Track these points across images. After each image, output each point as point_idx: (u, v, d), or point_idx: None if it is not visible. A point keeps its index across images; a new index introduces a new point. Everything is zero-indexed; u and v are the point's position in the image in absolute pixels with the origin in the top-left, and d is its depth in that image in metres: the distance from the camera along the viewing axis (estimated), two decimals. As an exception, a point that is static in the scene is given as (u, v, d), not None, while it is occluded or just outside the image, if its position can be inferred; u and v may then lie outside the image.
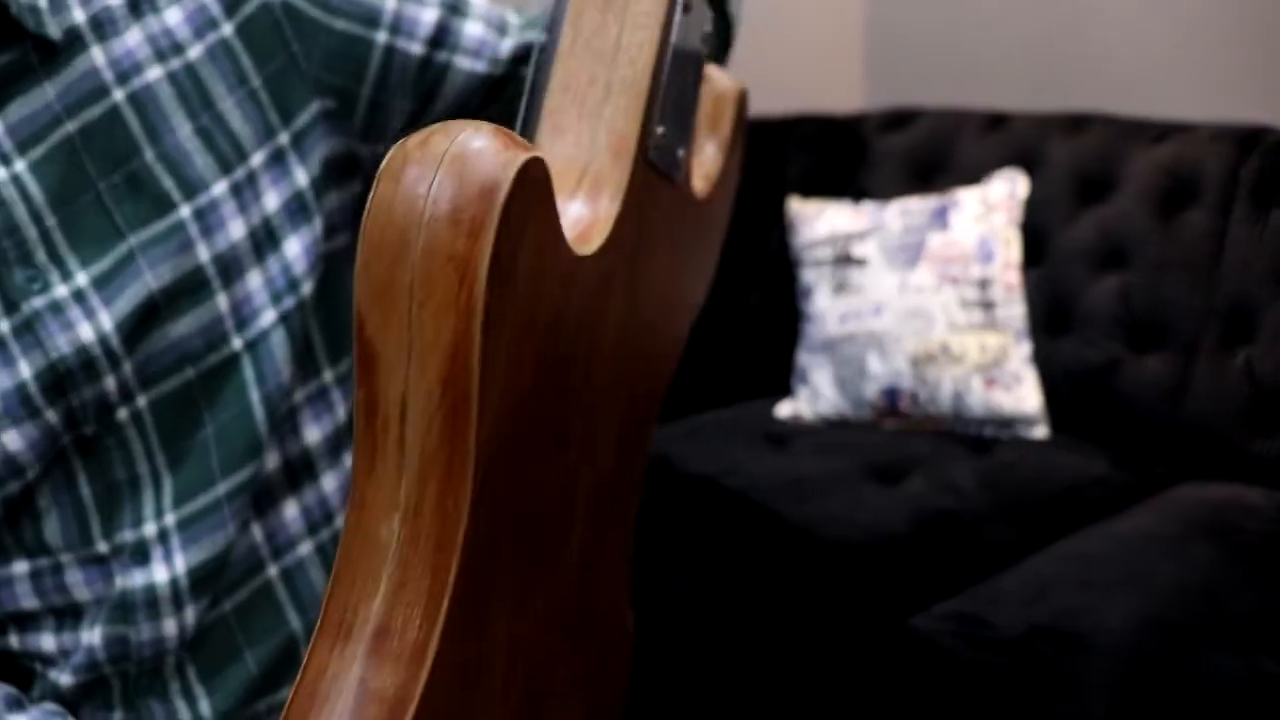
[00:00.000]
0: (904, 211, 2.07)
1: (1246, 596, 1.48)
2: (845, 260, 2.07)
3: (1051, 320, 2.02)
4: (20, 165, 0.73)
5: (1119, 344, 1.93)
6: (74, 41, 0.75)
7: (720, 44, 0.76)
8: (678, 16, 0.51)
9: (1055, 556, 1.58)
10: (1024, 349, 1.97)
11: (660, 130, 0.51)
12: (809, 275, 2.11)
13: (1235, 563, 1.54)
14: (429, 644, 0.43)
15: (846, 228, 2.09)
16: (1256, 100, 2.00)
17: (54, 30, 0.74)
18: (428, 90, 0.85)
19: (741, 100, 0.55)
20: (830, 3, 2.59)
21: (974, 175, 2.15)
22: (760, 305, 2.23)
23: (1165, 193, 1.93)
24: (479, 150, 0.39)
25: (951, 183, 2.18)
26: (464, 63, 0.85)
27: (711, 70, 0.56)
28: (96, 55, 0.75)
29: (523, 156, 0.41)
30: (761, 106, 2.32)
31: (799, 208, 2.17)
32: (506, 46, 0.86)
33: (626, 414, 0.54)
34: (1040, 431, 1.96)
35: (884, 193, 2.27)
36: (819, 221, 2.13)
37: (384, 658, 0.42)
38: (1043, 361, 1.99)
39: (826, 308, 2.06)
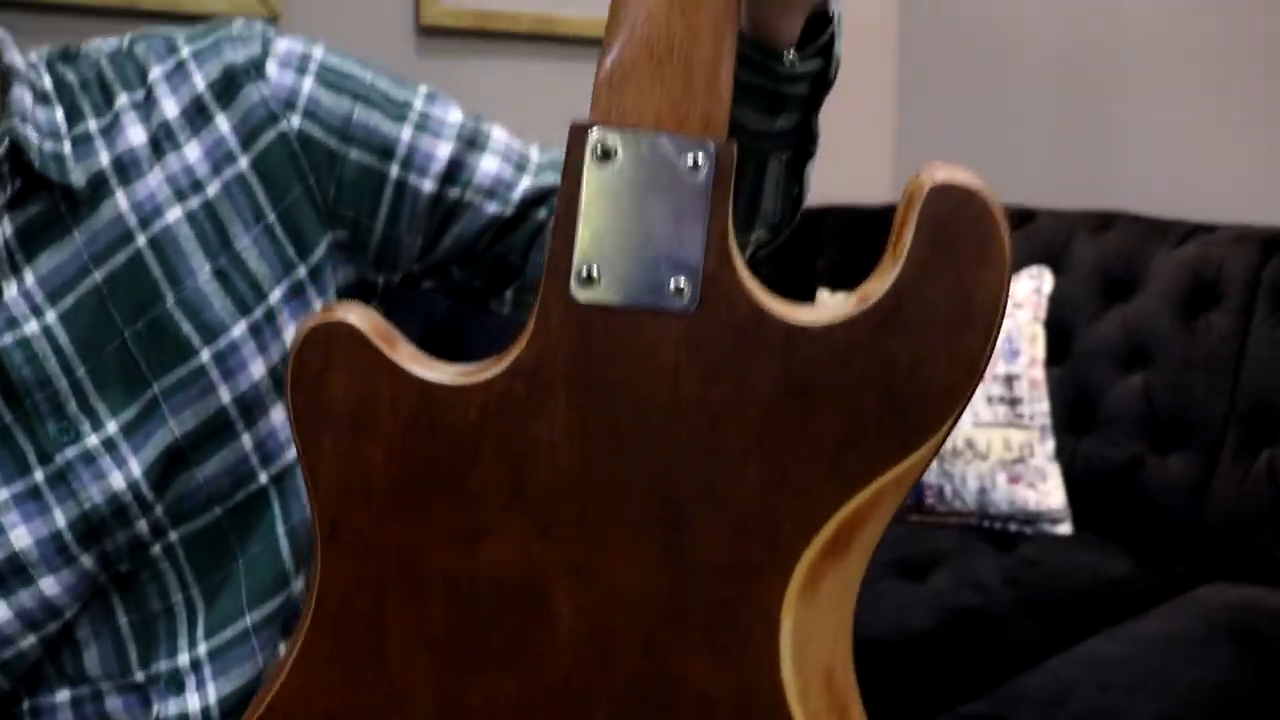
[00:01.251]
0: (930, 307, 2.10)
1: (1267, 701, 1.49)
2: (872, 354, 2.10)
3: (1075, 417, 2.04)
4: (51, 316, 0.75)
5: (1142, 443, 1.95)
6: (99, 187, 0.76)
7: (819, 87, 0.72)
8: (588, 163, 0.52)
9: (1078, 658, 1.59)
10: (1048, 446, 1.99)
11: (589, 269, 0.52)
12: (836, 367, 2.14)
13: (1256, 667, 1.54)
14: (289, 658, 0.60)
15: (874, 321, 2.12)
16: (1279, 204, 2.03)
17: (78, 178, 0.75)
18: (438, 226, 0.84)
19: (933, 197, 0.53)
20: (862, 96, 2.65)
21: (1001, 271, 2.18)
22: (788, 395, 2.26)
23: (1188, 293, 1.95)
24: (306, 320, 0.58)
25: (979, 278, 2.22)
26: (475, 200, 0.83)
27: (931, 165, 0.55)
28: (120, 200, 0.77)
29: (314, 322, 0.57)
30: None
31: (828, 300, 2.21)
32: (521, 187, 0.83)
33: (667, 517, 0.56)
34: (1064, 528, 1.97)
35: (912, 286, 2.31)
36: (847, 315, 2.16)
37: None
38: (1067, 458, 2.01)
39: (853, 400, 2.09)
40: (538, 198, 0.84)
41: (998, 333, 0.52)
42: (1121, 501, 1.96)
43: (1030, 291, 2.08)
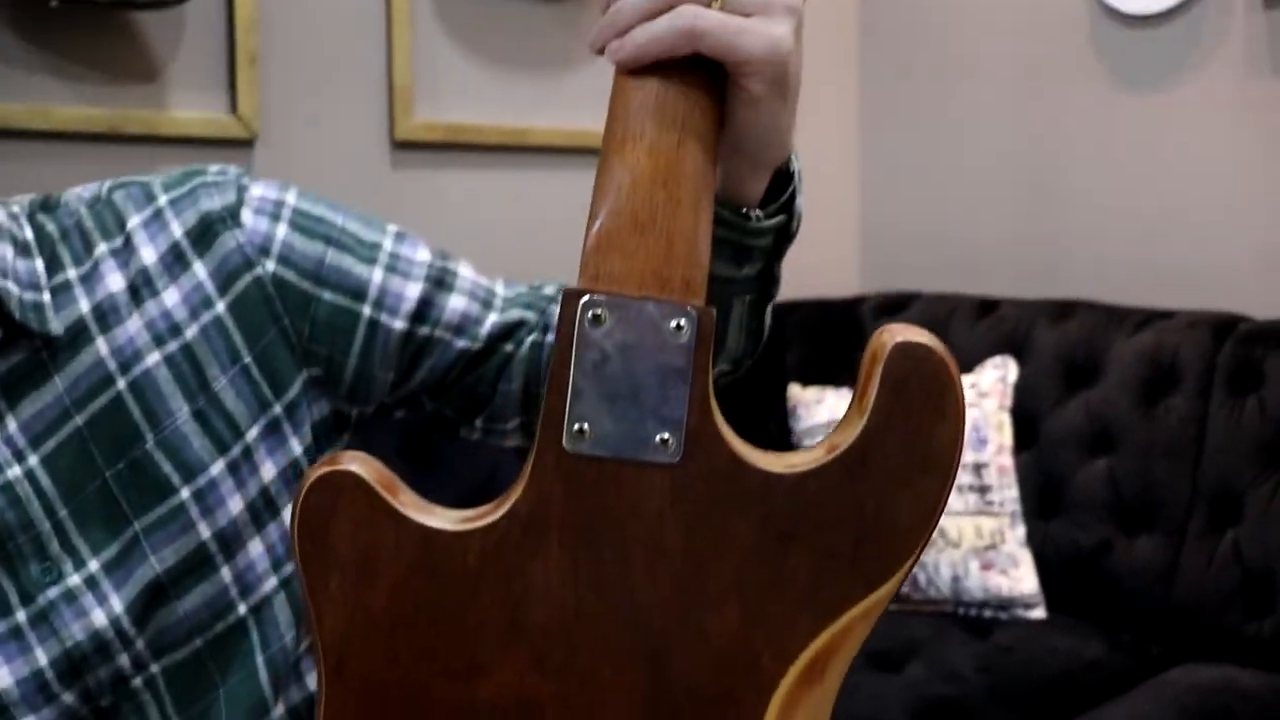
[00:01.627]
0: (899, 398, 2.15)
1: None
2: (843, 445, 2.14)
3: (1044, 502, 2.08)
4: (33, 460, 0.77)
5: (1110, 526, 2.00)
6: (79, 334, 0.78)
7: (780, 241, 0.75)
8: (583, 326, 0.56)
9: (1052, 744, 1.62)
10: (1019, 532, 2.03)
11: (581, 424, 0.56)
12: (809, 459, 2.18)
13: (1229, 749, 1.57)
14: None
15: (844, 413, 2.17)
16: (1231, 289, 2.10)
17: (57, 327, 0.77)
18: (409, 362, 0.86)
19: (895, 355, 0.56)
20: (827, 192, 2.72)
21: (967, 359, 2.24)
22: (763, 487, 2.29)
23: (1147, 379, 2.01)
24: (312, 469, 0.60)
25: (945, 367, 2.27)
26: (444, 336, 0.86)
27: (891, 328, 0.58)
28: (100, 345, 0.78)
29: (319, 471, 0.59)
30: (761, 295, 2.44)
31: (799, 394, 2.26)
32: (488, 323, 0.86)
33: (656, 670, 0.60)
34: (1038, 612, 2.01)
35: (880, 377, 2.36)
36: (819, 408, 2.21)
37: None
38: (1038, 543, 2.05)
39: (826, 492, 2.13)
40: (504, 332, 0.87)
41: (955, 476, 0.56)
42: (1093, 584, 2.00)
43: (995, 380, 2.13)
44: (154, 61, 1.81)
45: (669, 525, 0.57)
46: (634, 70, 0.59)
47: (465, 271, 0.89)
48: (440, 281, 0.86)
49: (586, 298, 0.56)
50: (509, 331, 0.87)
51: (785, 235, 0.74)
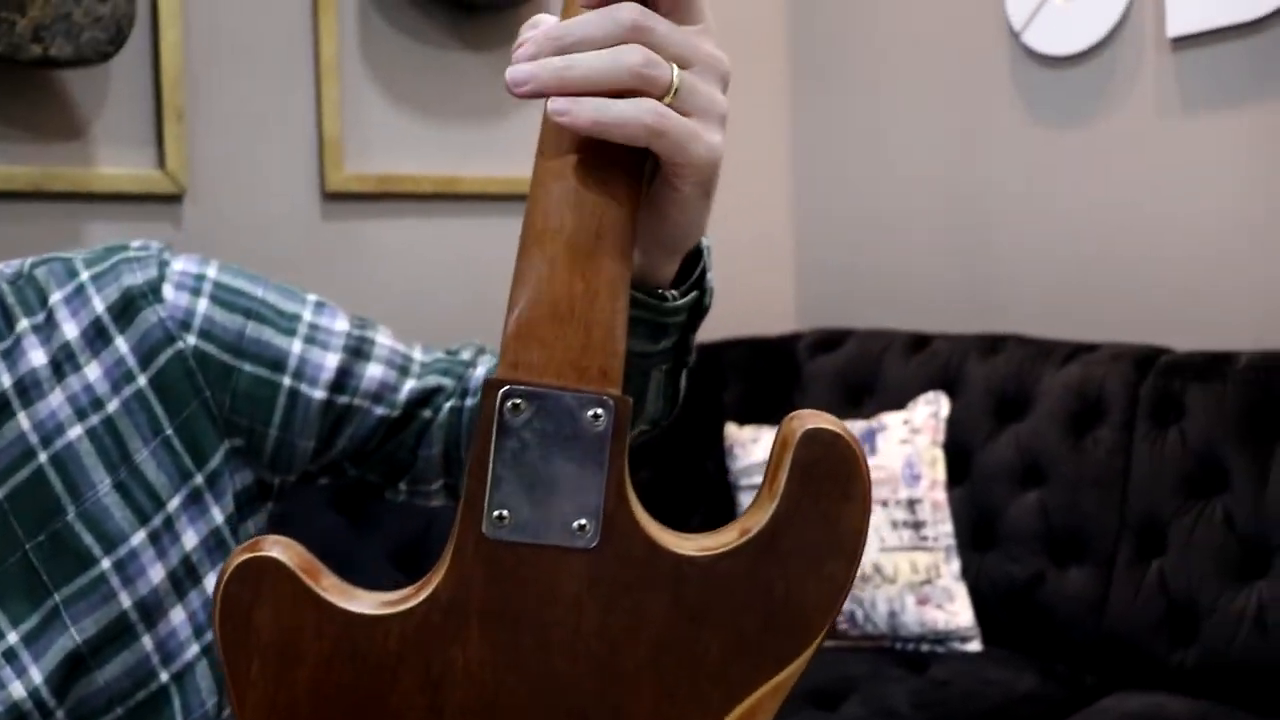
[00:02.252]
0: (833, 435, 2.18)
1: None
2: (780, 484, 2.17)
3: (978, 536, 2.12)
4: None
5: (1042, 558, 2.03)
6: (2, 410, 0.78)
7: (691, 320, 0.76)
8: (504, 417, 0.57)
9: (989, 777, 1.64)
10: (954, 566, 2.06)
11: (500, 512, 0.57)
12: (746, 500, 2.20)
13: (1160, 777, 1.60)
14: None
15: (780, 452, 2.19)
16: (1154, 321, 2.15)
17: None
18: (329, 431, 0.88)
19: (804, 441, 0.58)
20: (762, 232, 2.76)
21: (900, 395, 2.27)
22: (700, 527, 2.30)
23: (1075, 412, 2.05)
24: (234, 554, 0.60)
25: (880, 403, 2.31)
26: (362, 404, 0.88)
27: (800, 415, 0.59)
28: (22, 420, 0.79)
29: (241, 557, 0.60)
30: (698, 334, 2.46)
31: (736, 433, 2.28)
32: (405, 390, 0.88)
33: None
34: (974, 645, 2.04)
35: (816, 414, 2.39)
36: (755, 447, 2.23)
37: None
38: (972, 576, 2.09)
39: (764, 531, 2.15)
40: (422, 398, 0.89)
41: (861, 557, 0.58)
42: (1027, 616, 2.04)
43: (928, 416, 2.17)
44: (80, 118, 1.80)
45: (586, 608, 0.58)
46: (557, 149, 0.60)
47: (383, 339, 0.90)
48: (358, 351, 0.88)
49: (506, 388, 0.57)
50: (427, 398, 0.89)
51: (699, 310, 0.76)
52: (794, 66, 2.80)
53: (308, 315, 0.88)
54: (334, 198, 2.05)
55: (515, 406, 0.58)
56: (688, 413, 2.40)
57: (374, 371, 0.88)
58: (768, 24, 2.78)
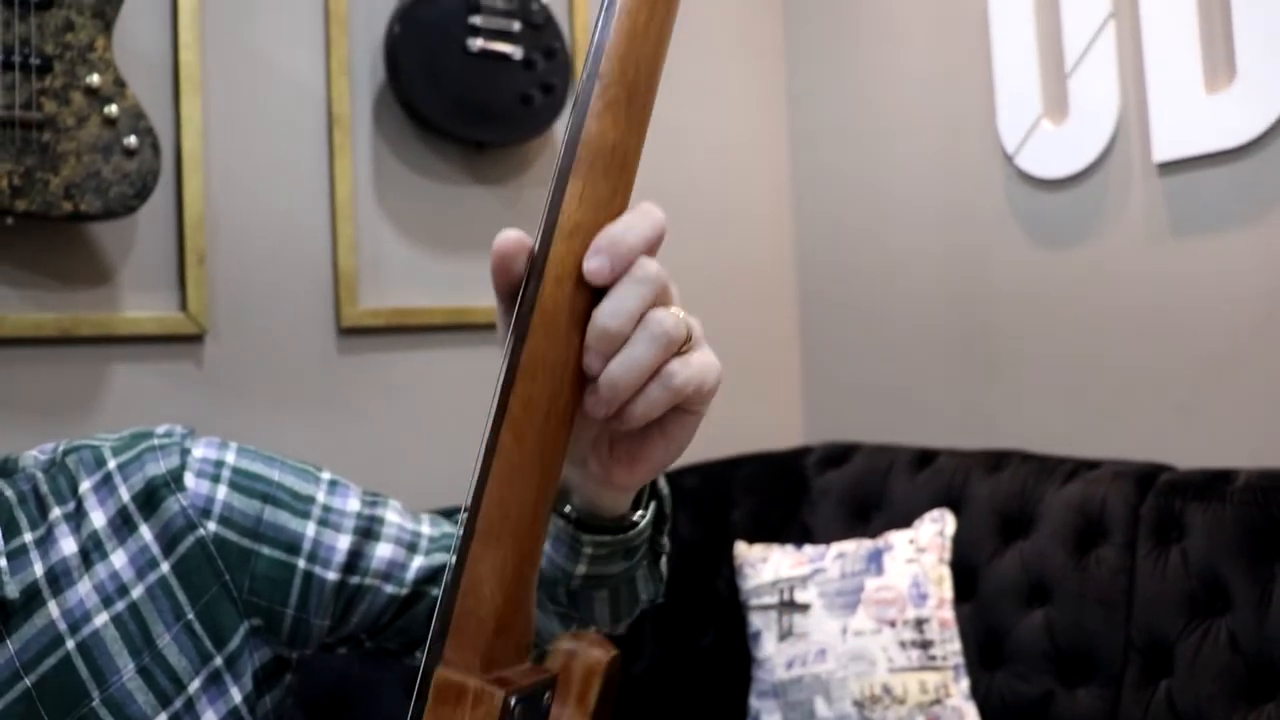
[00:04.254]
0: (841, 555, 2.21)
1: None
2: (789, 605, 2.19)
3: (986, 654, 2.13)
4: None
5: (1051, 677, 2.04)
6: (33, 598, 0.82)
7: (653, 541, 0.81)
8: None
9: None
10: (963, 684, 2.07)
11: None
12: (757, 620, 2.23)
13: None
14: None
15: (789, 573, 2.22)
16: (1154, 438, 2.19)
17: (12, 591, 0.82)
18: (343, 609, 0.91)
19: (611, 668, 0.63)
20: (769, 353, 2.81)
21: (906, 513, 2.30)
22: (712, 646, 2.33)
23: (1078, 530, 2.07)
24: None
25: (887, 520, 2.34)
26: (373, 583, 0.91)
27: (585, 642, 0.63)
28: (52, 608, 0.82)
29: None
30: (707, 453, 2.51)
31: (745, 552, 2.31)
32: (414, 568, 0.92)
33: None
34: (986, 766, 2.04)
35: (825, 530, 2.42)
36: (764, 566, 2.26)
37: None
38: (982, 694, 2.10)
39: (773, 652, 2.17)
40: (430, 576, 0.93)
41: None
42: (1038, 735, 2.04)
43: (934, 535, 2.19)
44: (106, 266, 1.87)
45: None
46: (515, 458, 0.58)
47: (392, 516, 0.94)
48: (368, 531, 0.92)
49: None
50: (435, 575, 0.93)
51: (660, 519, 0.80)
52: (796, 182, 2.88)
53: (321, 497, 0.92)
54: (349, 332, 2.11)
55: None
56: (698, 532, 2.42)
57: (383, 552, 0.92)
58: (771, 150, 2.86)
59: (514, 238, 0.58)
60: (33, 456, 0.90)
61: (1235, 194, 2.05)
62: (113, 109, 1.72)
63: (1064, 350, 2.35)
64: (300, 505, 0.91)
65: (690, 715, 2.28)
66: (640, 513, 0.76)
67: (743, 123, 2.81)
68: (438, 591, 0.93)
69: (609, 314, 0.56)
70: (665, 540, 0.83)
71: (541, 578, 0.82)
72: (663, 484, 0.80)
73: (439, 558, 0.94)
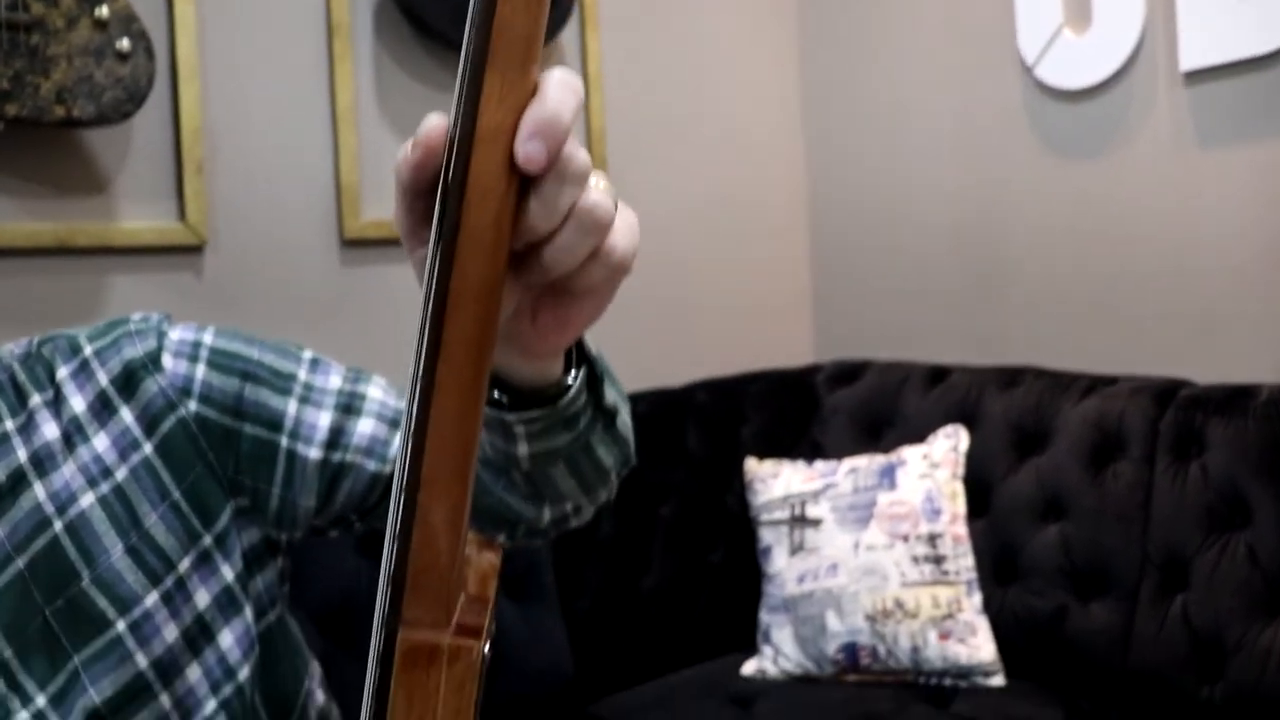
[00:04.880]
0: (853, 470, 2.18)
1: None
2: (801, 520, 2.17)
3: (1000, 569, 2.11)
4: None
5: (1065, 592, 2.02)
6: (19, 482, 0.82)
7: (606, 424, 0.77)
8: None
9: (1012, 818, 1.63)
10: (975, 600, 2.06)
11: None
12: (767, 535, 2.21)
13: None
14: None
15: (800, 488, 2.20)
16: (1173, 354, 2.15)
17: (0, 475, 0.82)
18: (327, 488, 0.90)
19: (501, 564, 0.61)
20: (779, 267, 2.76)
21: (919, 428, 2.27)
22: (722, 563, 2.32)
23: (1095, 445, 2.04)
24: None
25: (899, 436, 2.31)
26: (356, 460, 0.90)
27: (473, 547, 0.59)
28: (39, 490, 0.83)
29: None
30: (717, 369, 2.48)
31: (755, 468, 2.29)
32: (397, 444, 0.88)
33: None
34: (997, 680, 2.03)
35: (836, 447, 2.39)
36: (775, 482, 2.24)
37: None
38: (994, 610, 2.08)
39: (784, 567, 2.15)
40: None
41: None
42: (1051, 650, 2.02)
43: (948, 450, 2.16)
44: (102, 175, 1.83)
45: None
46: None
47: (374, 393, 0.92)
48: (349, 408, 0.91)
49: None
50: None
51: (595, 380, 0.74)
52: (806, 99, 2.82)
53: (302, 374, 0.91)
54: (352, 244, 2.07)
55: None
56: (707, 448, 2.40)
57: (365, 428, 0.90)
58: (780, 68, 2.79)
59: (444, 130, 0.51)
60: (8, 349, 0.89)
61: (1264, 104, 1.99)
62: (103, 10, 1.66)
63: (1081, 266, 2.30)
64: (281, 383, 0.90)
65: (700, 630, 2.27)
66: (571, 374, 0.71)
67: (752, 38, 2.74)
68: None
69: (543, 218, 0.50)
70: (612, 399, 0.78)
71: (491, 465, 0.80)
72: (590, 344, 0.75)
73: None
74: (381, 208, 2.10)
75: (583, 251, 0.52)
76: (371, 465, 0.91)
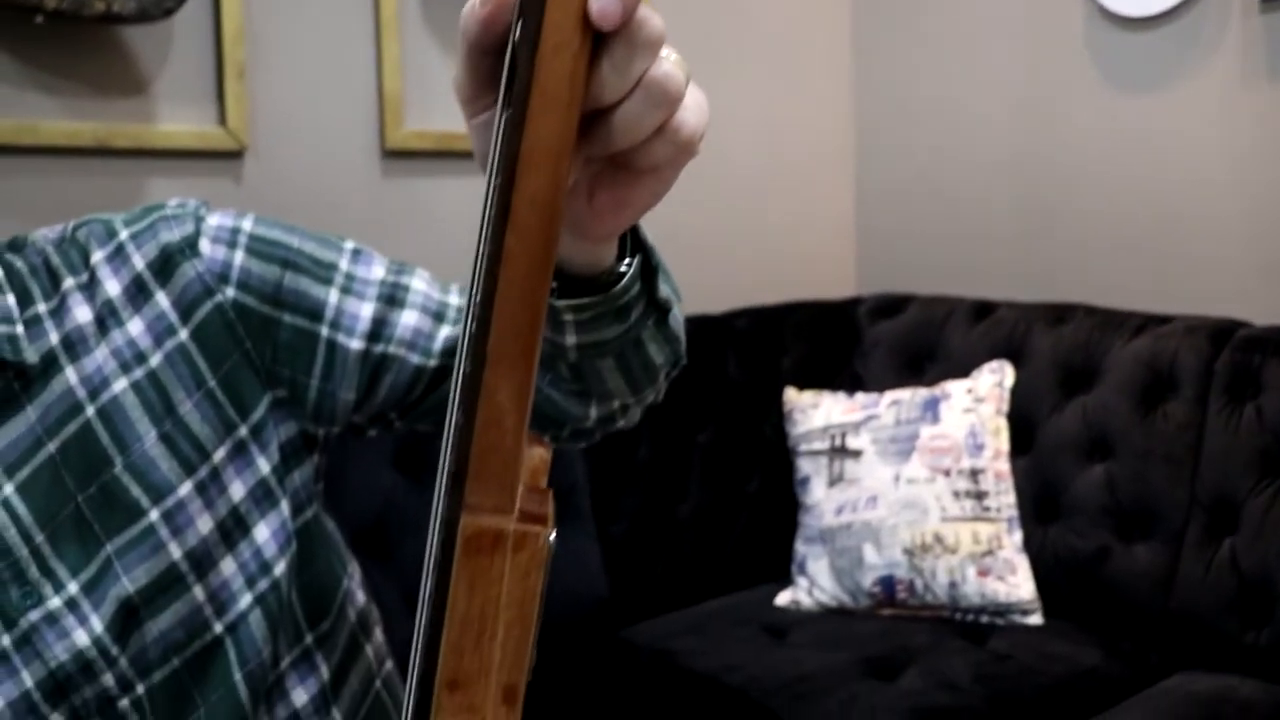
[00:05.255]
0: (895, 403, 2.14)
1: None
2: (840, 452, 2.14)
3: (1042, 508, 2.08)
4: (9, 489, 0.78)
5: (1108, 532, 1.99)
6: (50, 364, 0.80)
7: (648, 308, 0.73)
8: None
9: (1050, 755, 1.61)
10: (1016, 537, 2.03)
11: None
12: (805, 465, 2.18)
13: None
14: None
15: (841, 419, 2.16)
16: (1230, 295, 2.09)
17: (32, 357, 0.79)
18: (368, 381, 0.87)
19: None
20: (823, 195, 2.71)
21: (964, 363, 2.23)
22: (758, 492, 2.29)
23: (1145, 384, 2.00)
24: None
25: (942, 371, 2.27)
26: (399, 353, 0.87)
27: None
28: (70, 374, 0.81)
29: None
30: (757, 297, 2.43)
31: (795, 398, 2.25)
32: (441, 338, 0.87)
33: None
34: (1035, 619, 2.00)
35: (877, 380, 2.35)
36: (814, 413, 2.20)
37: None
38: (1035, 548, 2.05)
39: (823, 498, 2.12)
40: (456, 347, 0.86)
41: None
42: (1091, 591, 1.99)
43: (992, 385, 2.12)
44: (142, 75, 1.79)
45: None
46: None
47: (419, 285, 0.89)
48: (392, 299, 0.88)
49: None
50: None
51: (650, 271, 0.72)
52: (857, 26, 2.74)
53: (344, 264, 0.88)
54: (394, 155, 2.03)
55: None
56: (746, 376, 2.38)
57: (409, 320, 0.87)
58: (835, -19, 2.72)
59: None
60: (42, 234, 0.87)
61: (1340, 32, 1.91)
62: (148, -98, 1.61)
63: (1137, 202, 2.24)
64: (322, 271, 0.86)
65: (735, 560, 2.25)
66: (626, 263, 0.68)
67: (807, -47, 2.66)
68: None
69: (612, 84, 0.48)
70: (666, 293, 0.74)
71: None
72: (645, 233, 0.72)
73: None
74: (424, 118, 2.06)
75: (650, 123, 0.50)
76: (414, 358, 0.87)
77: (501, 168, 0.48)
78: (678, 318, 0.81)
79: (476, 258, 0.50)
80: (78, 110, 1.74)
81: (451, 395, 0.52)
